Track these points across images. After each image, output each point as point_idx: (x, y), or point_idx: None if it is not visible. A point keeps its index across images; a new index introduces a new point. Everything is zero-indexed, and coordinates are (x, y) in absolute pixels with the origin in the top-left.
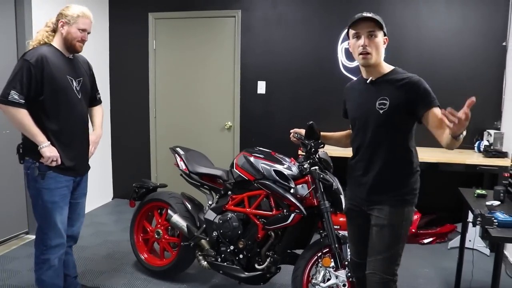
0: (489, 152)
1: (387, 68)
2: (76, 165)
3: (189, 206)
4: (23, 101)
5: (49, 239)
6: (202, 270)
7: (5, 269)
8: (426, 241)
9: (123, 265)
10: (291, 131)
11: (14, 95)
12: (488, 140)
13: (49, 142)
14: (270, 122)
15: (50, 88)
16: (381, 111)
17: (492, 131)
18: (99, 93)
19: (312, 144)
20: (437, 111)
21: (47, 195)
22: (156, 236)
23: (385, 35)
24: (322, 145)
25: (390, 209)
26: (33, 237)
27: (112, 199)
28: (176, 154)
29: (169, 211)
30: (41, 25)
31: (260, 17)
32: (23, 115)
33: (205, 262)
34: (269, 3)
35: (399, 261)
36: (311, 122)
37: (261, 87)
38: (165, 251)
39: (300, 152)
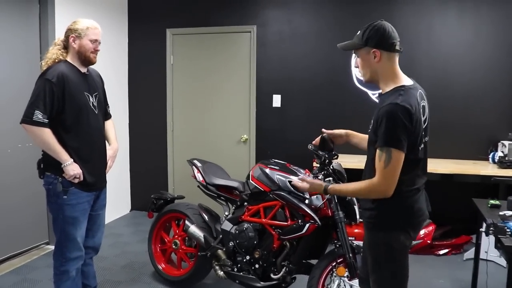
0: (504, 163)
1: (390, 87)
2: (96, 181)
3: (206, 217)
4: (47, 120)
5: (68, 252)
6: (219, 280)
7: (27, 278)
8: (441, 252)
9: (141, 275)
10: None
11: (38, 115)
12: (502, 151)
13: (72, 160)
14: (285, 135)
15: (71, 105)
16: (369, 130)
17: (506, 142)
18: (109, 107)
19: (326, 156)
20: (378, 152)
21: (68, 211)
22: (174, 246)
23: (376, 46)
24: (335, 156)
25: (366, 232)
26: (54, 247)
27: (130, 211)
28: (194, 166)
29: (187, 222)
30: None
31: (275, 32)
32: (48, 135)
33: (222, 272)
34: (284, 18)
35: (389, 285)
36: (324, 134)
37: (277, 101)
38: (182, 261)
39: (314, 163)
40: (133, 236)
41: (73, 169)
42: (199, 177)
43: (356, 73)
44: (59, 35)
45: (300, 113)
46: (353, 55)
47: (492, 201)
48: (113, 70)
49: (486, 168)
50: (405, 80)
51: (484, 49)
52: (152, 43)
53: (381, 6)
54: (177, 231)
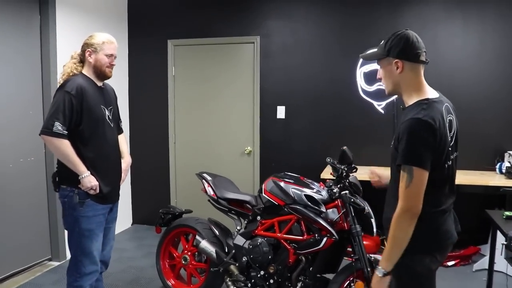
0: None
1: (413, 100)
2: (112, 193)
3: (216, 231)
4: (66, 132)
5: (83, 266)
6: None
7: None
8: (450, 263)
9: None
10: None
11: (58, 126)
12: (509, 161)
13: (89, 172)
14: (290, 147)
15: (88, 118)
16: (391, 145)
17: None
18: (121, 121)
19: (345, 169)
20: (401, 173)
21: (84, 223)
22: (183, 262)
23: (398, 57)
24: (355, 170)
25: None
26: (57, 263)
27: (132, 224)
28: (203, 180)
29: (197, 237)
30: (66, 57)
31: (279, 43)
32: (66, 146)
33: None
34: (287, 29)
35: None
36: (345, 147)
37: (281, 112)
38: (192, 277)
39: (329, 175)
40: (137, 250)
41: (90, 180)
42: (209, 191)
43: (361, 83)
44: (60, 47)
45: (305, 124)
46: (358, 65)
47: (507, 213)
48: (113, 82)
49: (493, 179)
50: (430, 93)
51: (489, 58)
52: (153, 55)
53: (385, 15)
54: (187, 246)
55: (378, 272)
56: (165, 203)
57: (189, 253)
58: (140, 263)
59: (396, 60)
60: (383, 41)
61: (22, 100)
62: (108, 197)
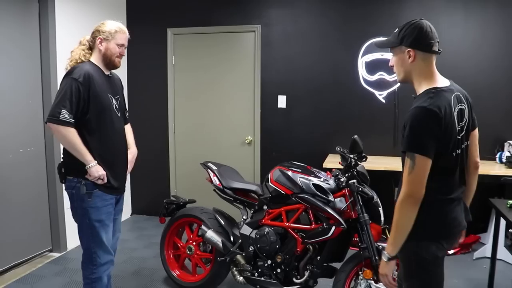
0: None
1: (422, 88)
2: (119, 184)
3: (222, 221)
4: (73, 120)
5: (98, 257)
6: (236, 284)
7: None
8: (450, 252)
9: (153, 282)
10: None
11: (64, 114)
12: (509, 151)
13: (96, 162)
14: (290, 136)
15: (95, 107)
16: (401, 133)
17: None
18: (127, 111)
19: (355, 158)
20: (406, 159)
21: (94, 214)
22: (188, 252)
23: (411, 46)
24: (365, 159)
25: None
26: (58, 254)
27: (131, 215)
28: (209, 170)
29: (203, 227)
30: (65, 46)
31: (280, 31)
32: (73, 134)
33: (241, 277)
34: (289, 18)
35: None
36: (355, 136)
37: (282, 101)
38: (197, 267)
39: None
40: (138, 241)
41: (97, 170)
42: (215, 180)
43: (363, 72)
44: (60, 35)
45: (306, 114)
46: (360, 55)
47: (511, 202)
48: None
49: (494, 168)
50: (440, 82)
51: (490, 49)
52: (152, 43)
53: (386, 4)
54: (192, 236)
55: (384, 257)
56: (165, 193)
57: (194, 243)
58: (142, 254)
59: (408, 49)
60: (397, 29)
61: (22, 90)
62: (116, 187)
